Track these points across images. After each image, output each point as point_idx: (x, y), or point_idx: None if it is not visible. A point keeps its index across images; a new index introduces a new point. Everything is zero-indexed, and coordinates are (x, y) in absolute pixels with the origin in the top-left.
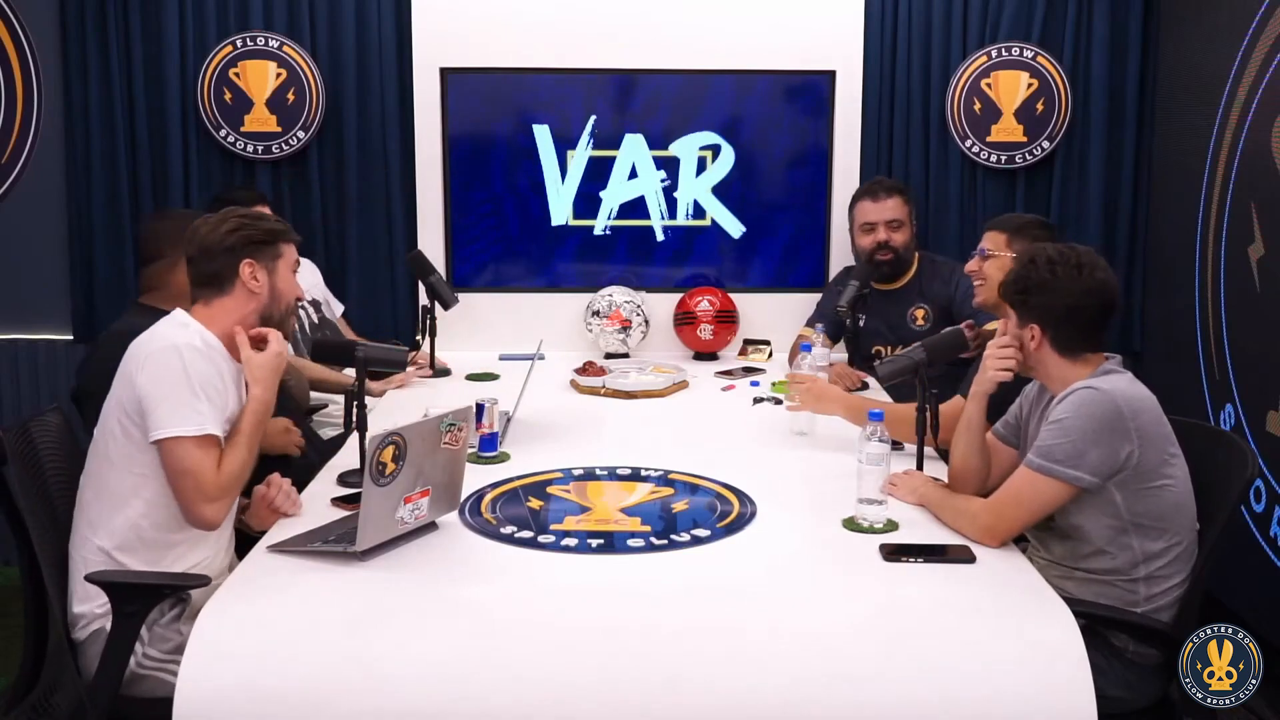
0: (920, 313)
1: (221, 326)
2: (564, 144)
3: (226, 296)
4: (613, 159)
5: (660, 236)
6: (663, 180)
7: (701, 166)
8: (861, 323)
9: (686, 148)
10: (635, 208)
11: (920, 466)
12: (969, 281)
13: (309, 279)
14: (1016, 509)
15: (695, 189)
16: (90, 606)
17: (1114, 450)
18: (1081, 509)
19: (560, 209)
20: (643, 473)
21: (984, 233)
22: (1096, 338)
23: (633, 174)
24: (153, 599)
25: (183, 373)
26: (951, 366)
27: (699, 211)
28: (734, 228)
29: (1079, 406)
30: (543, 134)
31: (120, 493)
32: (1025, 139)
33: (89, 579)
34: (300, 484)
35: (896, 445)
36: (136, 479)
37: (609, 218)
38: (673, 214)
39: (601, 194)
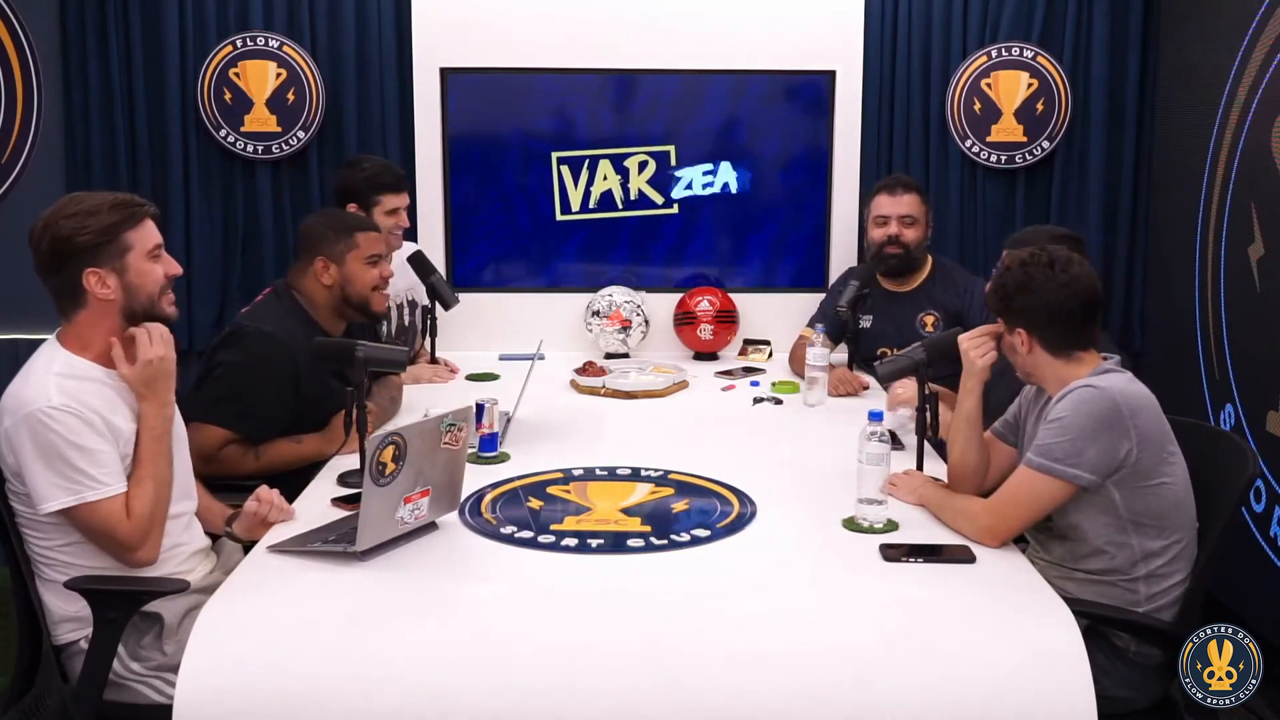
0: (930, 319)
1: (96, 346)
2: (564, 144)
3: (84, 310)
4: (609, 156)
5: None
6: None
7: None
8: (868, 324)
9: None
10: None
11: (920, 466)
12: (981, 294)
13: (401, 282)
14: (1016, 509)
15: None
16: (64, 608)
17: (1113, 448)
18: (1080, 508)
19: (560, 209)
20: (643, 473)
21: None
22: (1085, 334)
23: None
24: (132, 604)
25: (49, 442)
26: (955, 368)
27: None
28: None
29: (1077, 405)
30: (544, 133)
31: (36, 535)
32: (1025, 139)
33: (69, 585)
34: (296, 488)
35: (896, 444)
36: (45, 525)
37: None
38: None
39: (591, 188)
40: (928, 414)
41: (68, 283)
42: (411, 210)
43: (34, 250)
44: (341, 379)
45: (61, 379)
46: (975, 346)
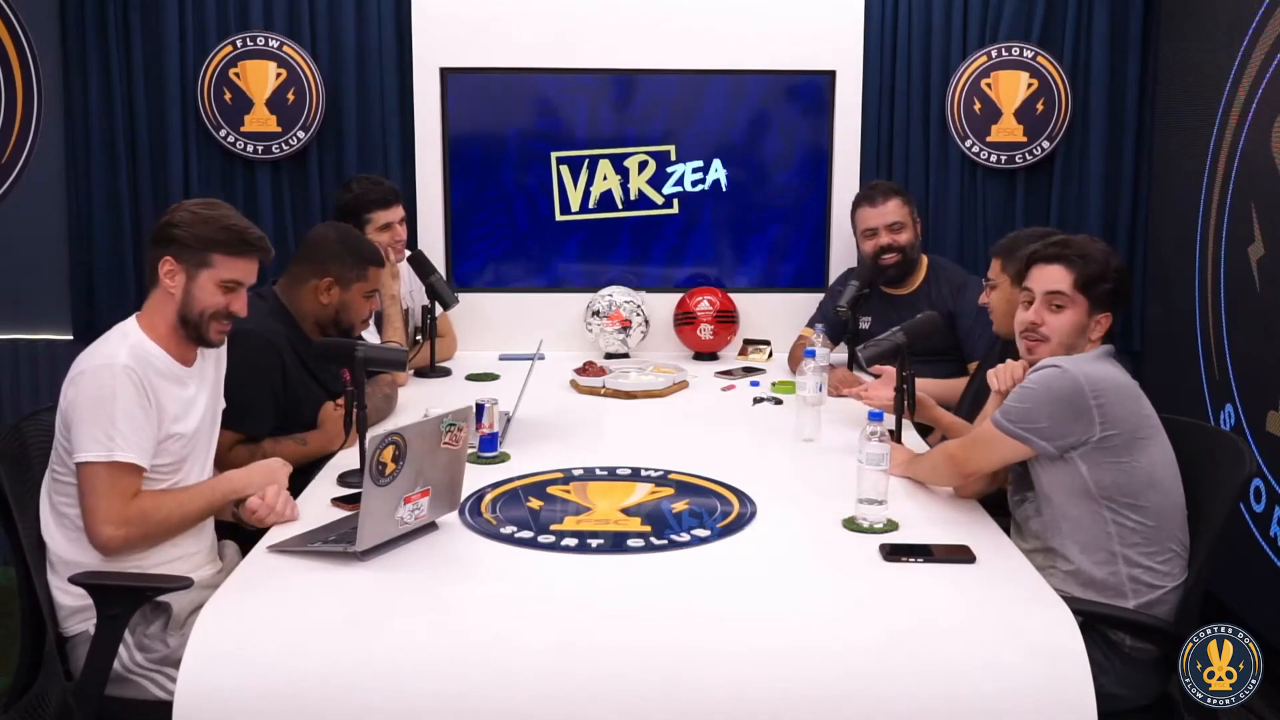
0: (921, 316)
1: (161, 329)
2: (564, 143)
3: (156, 292)
4: (609, 156)
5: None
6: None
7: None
8: (866, 326)
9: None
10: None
11: (898, 440)
12: (974, 295)
13: (403, 286)
14: (978, 453)
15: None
16: (72, 601)
17: (1066, 426)
18: (1050, 474)
19: (561, 208)
20: (643, 473)
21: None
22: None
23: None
24: (135, 600)
25: (105, 395)
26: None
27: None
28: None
29: (1042, 379)
30: (544, 133)
31: (66, 501)
32: (1025, 139)
33: (73, 580)
34: (298, 486)
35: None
36: (78, 490)
37: (589, 208)
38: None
39: (591, 188)
40: (905, 394)
41: (151, 259)
42: (411, 211)
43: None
44: (318, 383)
45: (135, 350)
46: (1000, 382)
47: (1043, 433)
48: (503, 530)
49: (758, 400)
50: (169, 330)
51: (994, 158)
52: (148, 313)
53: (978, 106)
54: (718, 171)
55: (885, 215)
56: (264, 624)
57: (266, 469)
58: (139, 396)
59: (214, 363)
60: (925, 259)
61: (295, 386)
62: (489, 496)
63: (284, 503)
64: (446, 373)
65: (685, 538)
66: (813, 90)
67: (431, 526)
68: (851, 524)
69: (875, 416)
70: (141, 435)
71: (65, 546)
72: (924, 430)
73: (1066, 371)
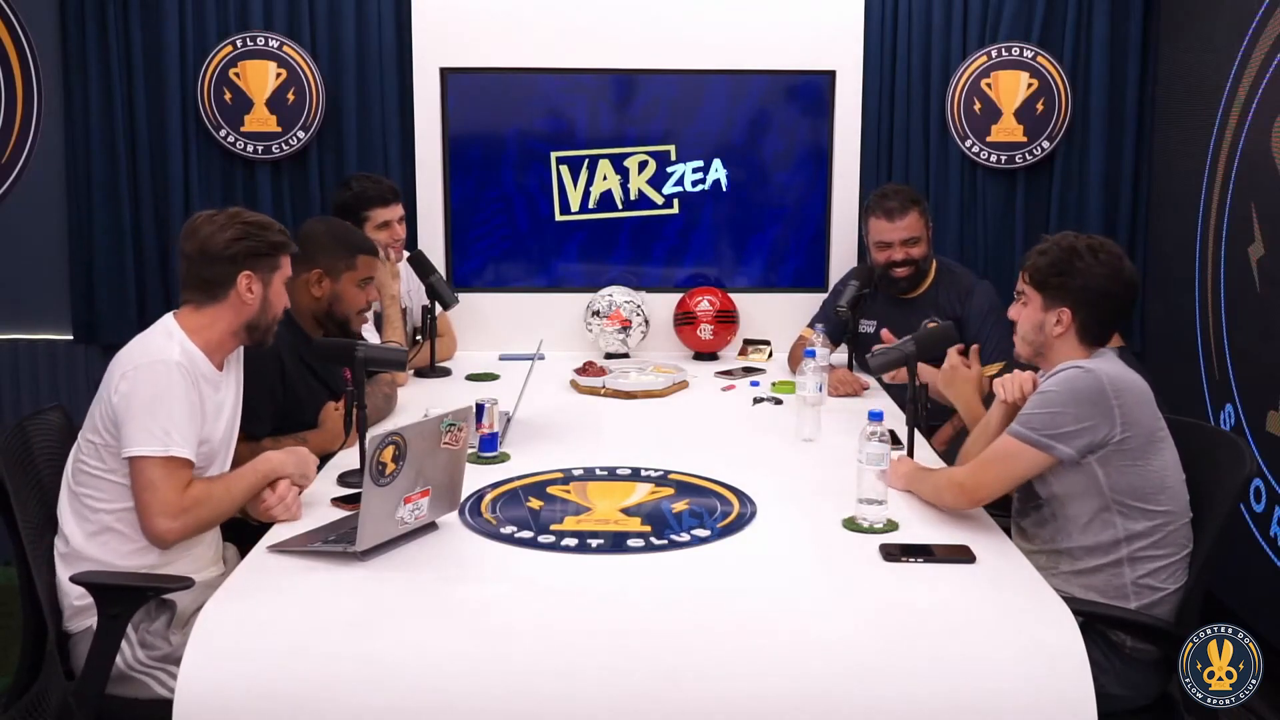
0: (934, 325)
1: (209, 335)
2: (564, 143)
3: (219, 304)
4: (609, 156)
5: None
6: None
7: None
8: (871, 328)
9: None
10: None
11: (911, 454)
12: (981, 300)
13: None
14: (993, 473)
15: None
16: (74, 600)
17: (1093, 427)
18: (1063, 480)
19: (561, 208)
20: (643, 473)
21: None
22: (1115, 328)
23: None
24: (137, 600)
25: (160, 390)
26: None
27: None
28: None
29: (1063, 382)
30: (544, 133)
31: (96, 496)
32: (1025, 139)
33: (74, 580)
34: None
35: (896, 443)
36: (113, 486)
37: (590, 208)
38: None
39: (591, 188)
40: (917, 406)
41: (222, 276)
42: (411, 211)
43: (194, 230)
44: (319, 380)
45: (182, 349)
46: (1008, 393)
47: (1067, 437)
48: (503, 530)
49: (758, 400)
50: (221, 336)
51: (994, 158)
52: (197, 320)
53: (978, 106)
54: (718, 171)
55: (900, 231)
56: (264, 624)
57: (300, 455)
58: (191, 393)
59: (235, 366)
60: (935, 262)
61: (295, 385)
62: (489, 496)
63: (293, 497)
64: (446, 373)
65: (685, 538)
66: (813, 90)
67: (431, 526)
68: (851, 524)
69: (875, 416)
70: (193, 430)
71: (83, 541)
72: (928, 432)
73: (1089, 371)
